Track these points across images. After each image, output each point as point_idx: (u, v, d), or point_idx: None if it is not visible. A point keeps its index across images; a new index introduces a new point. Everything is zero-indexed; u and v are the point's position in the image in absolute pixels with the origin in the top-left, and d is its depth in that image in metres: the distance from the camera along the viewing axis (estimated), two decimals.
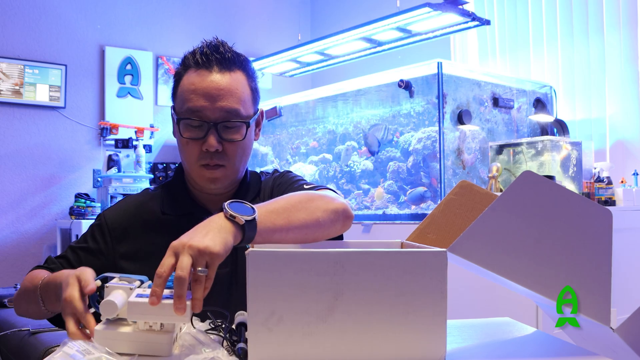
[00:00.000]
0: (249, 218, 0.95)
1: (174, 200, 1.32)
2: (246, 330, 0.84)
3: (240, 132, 1.24)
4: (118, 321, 0.89)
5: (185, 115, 1.22)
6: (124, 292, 0.89)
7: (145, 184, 4.02)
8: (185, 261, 0.84)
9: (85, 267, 0.98)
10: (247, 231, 0.94)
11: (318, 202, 1.10)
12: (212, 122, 1.21)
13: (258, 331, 0.80)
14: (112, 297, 0.86)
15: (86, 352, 0.83)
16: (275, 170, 1.43)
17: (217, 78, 1.22)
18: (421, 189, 3.00)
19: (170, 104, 1.32)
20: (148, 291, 0.87)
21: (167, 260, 0.85)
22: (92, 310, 0.93)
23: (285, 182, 1.35)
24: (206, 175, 1.24)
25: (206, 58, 1.24)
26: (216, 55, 1.24)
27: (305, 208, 1.07)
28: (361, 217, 3.13)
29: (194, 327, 0.96)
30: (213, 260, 0.86)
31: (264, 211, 1.00)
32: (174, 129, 1.32)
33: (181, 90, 1.25)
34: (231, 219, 0.93)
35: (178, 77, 1.28)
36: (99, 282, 0.94)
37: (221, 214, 0.95)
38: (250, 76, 1.28)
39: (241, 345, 0.85)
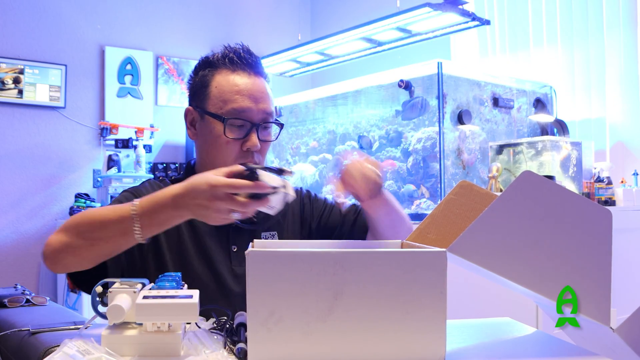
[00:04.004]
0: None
1: None
2: (246, 330, 0.84)
3: (272, 132, 1.33)
4: (123, 325, 0.89)
5: (231, 115, 1.25)
6: (129, 295, 0.90)
7: None
8: None
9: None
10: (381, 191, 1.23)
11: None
12: (255, 122, 1.26)
13: (258, 331, 0.80)
14: (118, 301, 0.86)
15: (86, 352, 0.83)
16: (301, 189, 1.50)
17: (256, 81, 1.29)
18: (410, 187, 3.00)
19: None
20: (153, 292, 0.87)
21: None
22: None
23: (323, 204, 1.45)
24: None
25: (244, 61, 1.29)
26: (252, 59, 1.30)
27: (397, 202, 1.35)
28: None
29: (199, 327, 0.96)
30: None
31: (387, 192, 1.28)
32: (198, 130, 1.32)
33: (219, 90, 1.27)
34: None
35: (205, 79, 1.29)
36: (100, 288, 0.94)
37: None
38: (268, 80, 1.36)
39: (241, 345, 0.85)
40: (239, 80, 1.27)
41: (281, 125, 1.33)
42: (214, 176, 0.97)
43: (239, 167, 0.99)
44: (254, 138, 1.26)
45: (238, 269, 1.27)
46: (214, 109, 1.26)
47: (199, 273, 1.24)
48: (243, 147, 1.26)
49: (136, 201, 1.03)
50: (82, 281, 1.18)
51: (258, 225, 1.29)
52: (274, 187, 0.97)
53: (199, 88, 1.31)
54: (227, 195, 0.95)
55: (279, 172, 1.00)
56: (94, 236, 1.05)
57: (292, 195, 1.02)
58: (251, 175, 0.96)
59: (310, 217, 1.42)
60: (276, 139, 1.34)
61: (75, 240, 1.07)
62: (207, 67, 1.31)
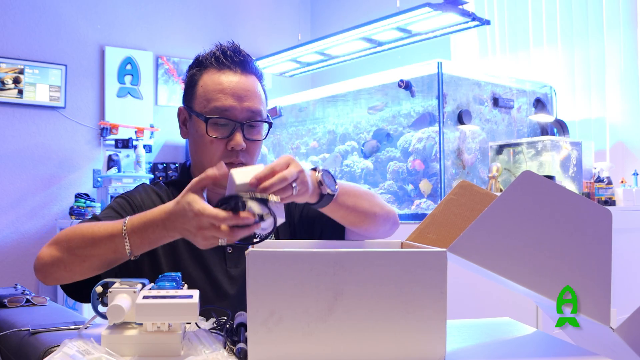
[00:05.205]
0: (331, 192, 1.10)
1: None
2: (246, 330, 0.84)
3: (261, 131, 1.30)
4: (123, 325, 0.89)
5: (214, 114, 1.24)
6: (129, 295, 0.90)
7: None
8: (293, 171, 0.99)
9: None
10: (323, 200, 1.10)
11: (378, 199, 1.27)
12: (240, 121, 1.25)
13: (258, 331, 0.80)
14: (118, 301, 0.87)
15: (86, 352, 0.83)
16: None
17: (243, 79, 1.27)
18: (409, 186, 3.00)
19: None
20: (153, 292, 0.87)
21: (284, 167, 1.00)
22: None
23: None
24: None
25: (230, 60, 1.28)
26: (239, 57, 1.29)
27: (369, 200, 1.22)
28: None
29: (199, 327, 0.96)
30: (304, 184, 1.02)
31: (341, 190, 1.14)
32: (188, 129, 1.33)
33: (204, 90, 1.27)
34: (319, 185, 1.08)
35: (194, 78, 1.30)
36: (100, 288, 0.94)
37: (312, 173, 1.07)
38: (261, 79, 1.34)
39: (241, 345, 0.85)
40: (224, 79, 1.26)
41: (270, 124, 1.31)
42: (199, 203, 0.95)
43: (211, 173, 0.97)
44: (237, 137, 1.24)
45: (233, 271, 1.27)
46: (199, 108, 1.27)
47: (194, 277, 1.24)
48: (227, 147, 1.25)
49: (127, 219, 1.04)
50: (73, 291, 1.18)
51: (249, 244, 1.25)
52: (260, 216, 0.96)
53: (188, 87, 1.32)
54: (212, 225, 0.94)
55: (264, 201, 0.97)
56: (85, 253, 1.05)
57: (281, 219, 1.00)
58: (237, 203, 0.95)
59: (294, 209, 1.39)
60: (265, 137, 1.32)
61: (67, 255, 1.07)
62: (196, 66, 1.32)
